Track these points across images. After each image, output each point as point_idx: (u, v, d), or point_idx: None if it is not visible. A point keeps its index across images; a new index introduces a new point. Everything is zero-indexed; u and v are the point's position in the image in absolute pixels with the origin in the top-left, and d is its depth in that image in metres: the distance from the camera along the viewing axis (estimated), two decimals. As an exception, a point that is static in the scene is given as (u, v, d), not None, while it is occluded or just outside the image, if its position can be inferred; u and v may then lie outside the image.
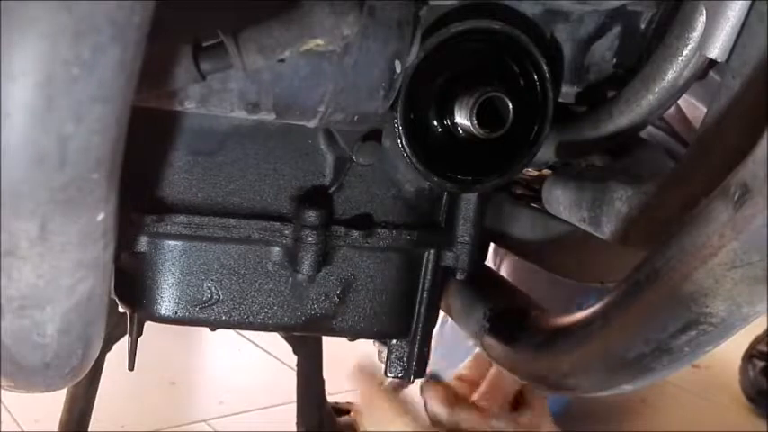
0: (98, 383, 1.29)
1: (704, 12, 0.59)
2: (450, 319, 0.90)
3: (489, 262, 1.10)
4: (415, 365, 0.82)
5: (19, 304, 0.46)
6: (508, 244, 0.92)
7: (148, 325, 0.76)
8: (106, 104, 0.39)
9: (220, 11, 0.57)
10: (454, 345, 1.88)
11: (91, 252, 0.45)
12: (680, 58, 0.63)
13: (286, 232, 0.72)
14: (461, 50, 0.71)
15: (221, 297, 0.73)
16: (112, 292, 0.73)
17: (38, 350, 0.50)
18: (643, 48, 0.75)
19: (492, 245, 0.95)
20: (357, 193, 0.75)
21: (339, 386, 1.51)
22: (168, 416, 2.01)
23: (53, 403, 1.24)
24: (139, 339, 0.77)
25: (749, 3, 0.56)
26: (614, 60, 0.76)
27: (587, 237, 0.72)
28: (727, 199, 0.48)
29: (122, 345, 0.86)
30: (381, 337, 0.82)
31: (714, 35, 0.58)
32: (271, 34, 0.53)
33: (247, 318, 0.74)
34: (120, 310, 0.77)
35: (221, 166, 0.71)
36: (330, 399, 1.52)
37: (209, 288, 0.73)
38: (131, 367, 0.78)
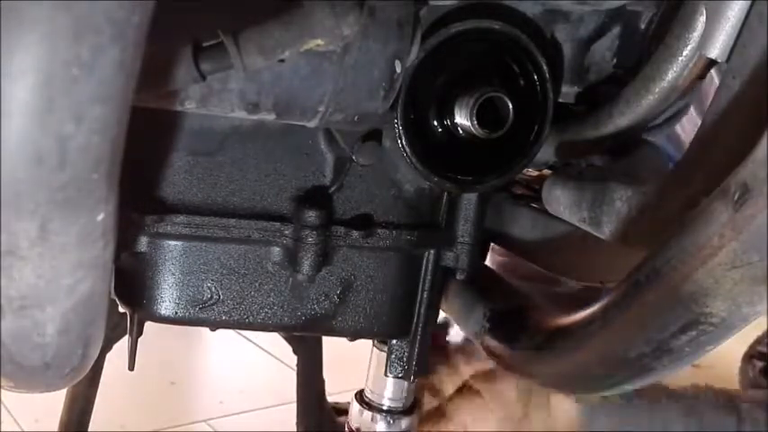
0: (98, 383, 1.29)
1: (704, 12, 0.59)
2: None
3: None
4: (415, 365, 0.82)
5: (19, 304, 0.46)
6: (508, 244, 0.92)
7: (148, 325, 0.76)
8: (106, 104, 0.39)
9: (220, 11, 0.57)
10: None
11: (91, 252, 0.45)
12: (680, 58, 0.63)
13: (286, 232, 0.72)
14: (461, 50, 0.71)
15: (221, 297, 0.73)
16: (112, 292, 0.73)
17: (38, 350, 0.50)
18: (643, 48, 0.75)
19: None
20: (357, 193, 0.75)
21: (339, 386, 1.50)
22: (168, 416, 2.01)
23: (53, 403, 1.24)
24: (139, 339, 0.77)
25: (749, 3, 0.56)
26: (614, 60, 0.76)
27: (587, 237, 0.72)
28: (727, 199, 0.48)
29: (122, 345, 0.86)
30: (381, 337, 0.82)
31: (714, 35, 0.58)
32: (271, 34, 0.53)
33: (247, 318, 0.74)
34: (120, 310, 0.77)
35: (221, 166, 0.71)
36: (330, 399, 1.52)
37: (210, 288, 0.73)
38: (131, 367, 0.78)
